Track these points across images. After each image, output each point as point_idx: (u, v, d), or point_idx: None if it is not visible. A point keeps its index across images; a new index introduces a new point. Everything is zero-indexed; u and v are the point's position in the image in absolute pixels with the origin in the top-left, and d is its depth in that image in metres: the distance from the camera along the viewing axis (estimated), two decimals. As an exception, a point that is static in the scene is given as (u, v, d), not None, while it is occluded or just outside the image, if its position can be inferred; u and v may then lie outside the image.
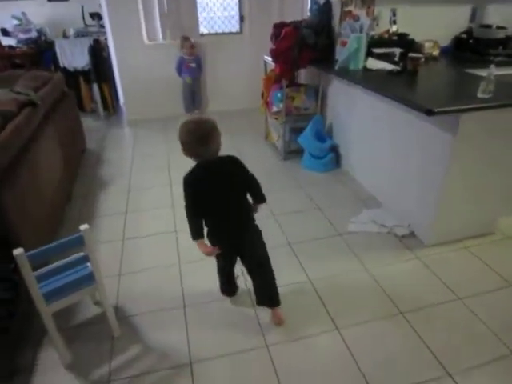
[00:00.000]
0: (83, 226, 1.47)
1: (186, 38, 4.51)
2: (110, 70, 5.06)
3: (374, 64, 2.81)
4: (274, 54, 3.24)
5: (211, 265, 1.88)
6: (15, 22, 5.10)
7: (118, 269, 2.19)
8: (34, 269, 1.44)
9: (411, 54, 2.64)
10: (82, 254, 1.63)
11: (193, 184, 1.57)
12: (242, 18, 4.92)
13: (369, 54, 2.91)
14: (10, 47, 5.10)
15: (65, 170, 2.90)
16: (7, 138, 1.99)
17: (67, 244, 1.45)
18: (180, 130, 1.53)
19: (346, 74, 2.85)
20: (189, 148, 1.52)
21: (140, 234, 2.54)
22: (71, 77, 4.84)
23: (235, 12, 4.93)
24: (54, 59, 4.96)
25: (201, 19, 4.82)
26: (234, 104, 4.99)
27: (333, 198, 2.93)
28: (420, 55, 2.71)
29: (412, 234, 2.43)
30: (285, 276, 2.10)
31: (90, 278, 1.59)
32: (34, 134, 2.45)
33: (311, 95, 3.43)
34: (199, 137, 1.49)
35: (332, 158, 3.33)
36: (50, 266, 1.54)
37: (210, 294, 1.97)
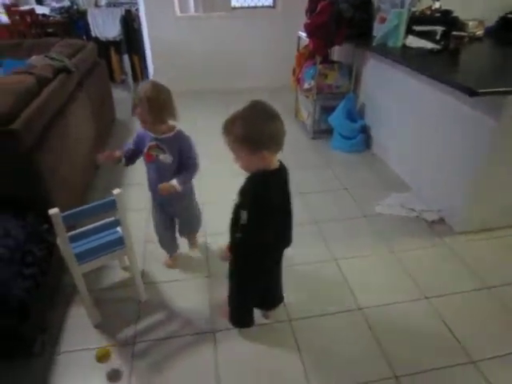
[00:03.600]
0: (116, 191, 1.49)
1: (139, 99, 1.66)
2: (140, 41, 5.04)
3: (414, 42, 2.69)
4: (309, 29, 3.14)
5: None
6: (49, -10, 5.14)
7: (144, 236, 2.23)
8: (67, 230, 1.48)
9: (455, 33, 2.51)
10: (113, 218, 1.66)
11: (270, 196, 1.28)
12: (275, -8, 4.78)
13: (408, 31, 2.78)
14: (44, 16, 5.15)
15: (95, 138, 2.94)
16: (43, 103, 2.03)
17: (100, 207, 1.48)
18: (242, 122, 1.18)
19: (383, 50, 2.74)
20: (268, 139, 1.19)
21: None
22: (102, 47, 4.85)
23: (269, -15, 4.80)
24: (86, 29, 4.98)
25: (233, -9, 4.72)
26: (264, 81, 4.91)
27: (360, 179, 2.88)
28: (464, 34, 2.57)
29: (442, 220, 2.37)
30: (309, 254, 2.10)
31: (120, 242, 1.62)
32: (68, 100, 2.48)
33: (345, 73, 3.33)
34: (277, 118, 1.21)
35: (362, 139, 3.25)
36: (83, 228, 1.58)
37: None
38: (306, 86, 3.37)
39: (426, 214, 2.40)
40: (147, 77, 5.33)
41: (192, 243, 2.15)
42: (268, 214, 1.27)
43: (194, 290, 1.90)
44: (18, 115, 1.76)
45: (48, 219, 1.53)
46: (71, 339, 1.65)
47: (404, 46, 2.72)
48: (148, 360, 1.56)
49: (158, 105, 1.54)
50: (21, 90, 1.92)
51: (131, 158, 1.79)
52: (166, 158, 1.66)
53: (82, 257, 1.54)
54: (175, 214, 1.94)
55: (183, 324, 1.72)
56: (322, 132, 3.49)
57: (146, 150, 1.69)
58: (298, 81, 3.51)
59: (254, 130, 1.17)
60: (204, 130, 2.72)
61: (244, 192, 1.30)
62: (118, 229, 1.65)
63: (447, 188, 2.34)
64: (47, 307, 1.72)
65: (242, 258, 1.42)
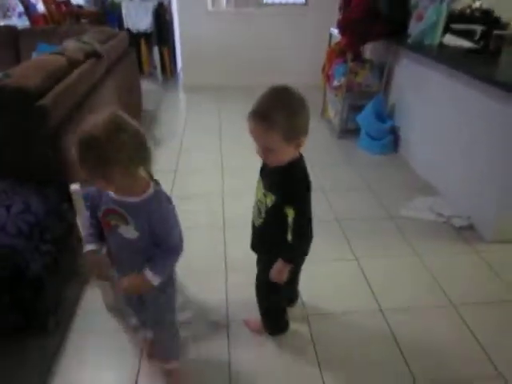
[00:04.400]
0: (138, 171, 1.46)
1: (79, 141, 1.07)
2: (171, 34, 5.09)
3: (452, 40, 2.58)
4: (342, 25, 3.08)
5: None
6: (85, -20, 5.24)
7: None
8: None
9: (497, 32, 2.39)
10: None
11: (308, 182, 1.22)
12: (308, -11, 4.73)
13: (447, 29, 2.68)
14: (79, 6, 5.25)
15: (121, 125, 2.96)
16: (72, 83, 2.04)
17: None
18: (283, 110, 1.07)
19: (419, 48, 2.65)
20: (306, 125, 1.14)
21: (188, 193, 2.57)
22: (133, 39, 4.91)
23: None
24: (119, 20, 5.05)
25: (266, -12, 4.69)
26: (292, 78, 4.82)
27: (387, 181, 2.78)
28: (508, 33, 2.45)
29: (471, 227, 2.25)
30: (330, 251, 2.04)
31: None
32: (96, 84, 2.50)
33: (376, 72, 3.24)
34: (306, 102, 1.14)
35: (390, 140, 3.15)
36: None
37: (252, 258, 1.94)
38: (336, 83, 3.30)
39: (454, 220, 2.29)
40: (175, 70, 5.36)
41: (167, 374, 1.41)
42: (310, 203, 1.21)
43: (212, 281, 1.87)
44: (47, 92, 1.77)
45: (69, 198, 1.53)
46: (84, 318, 1.64)
47: (441, 45, 2.62)
48: (160, 345, 1.53)
49: (108, 150, 0.92)
50: (51, 69, 1.93)
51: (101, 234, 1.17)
52: (127, 231, 1.07)
53: (100, 235, 1.52)
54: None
55: (197, 313, 1.68)
56: (348, 131, 3.41)
57: (100, 213, 1.10)
58: (328, 78, 3.45)
59: (296, 117, 1.10)
60: (228, 123, 2.69)
61: (286, 186, 1.18)
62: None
63: (479, 195, 2.22)
64: (62, 286, 1.72)
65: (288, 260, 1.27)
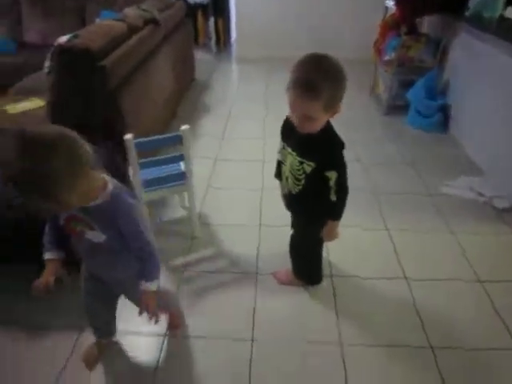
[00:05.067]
0: (184, 126, 1.60)
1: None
2: (226, 5, 5.16)
3: (515, 13, 2.43)
4: (398, -4, 2.99)
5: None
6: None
7: (207, 182, 2.39)
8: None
9: None
10: (179, 153, 1.77)
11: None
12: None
13: (509, 1, 2.52)
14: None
15: (173, 90, 3.13)
16: (131, 47, 2.20)
17: (168, 140, 1.62)
18: (333, 72, 1.11)
19: (478, 21, 2.52)
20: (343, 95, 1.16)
21: (232, 157, 2.71)
22: (190, 9, 5.02)
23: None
24: (178, -9, 5.18)
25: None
26: (344, 51, 4.73)
27: (431, 158, 2.73)
28: None
29: (514, 210, 2.20)
30: (361, 220, 2.09)
31: (182, 177, 1.75)
32: (153, 50, 2.66)
33: (430, 47, 3.12)
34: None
35: (440, 118, 3.06)
36: (151, 158, 1.72)
37: (284, 219, 2.04)
38: (387, 57, 3.23)
39: (496, 201, 2.24)
40: (229, 41, 5.45)
41: (171, 326, 1.52)
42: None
43: (245, 235, 2.00)
44: (109, 54, 1.95)
45: (124, 151, 1.71)
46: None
47: (502, 18, 2.48)
48: (193, 287, 1.71)
49: (46, 182, 0.86)
50: (113, 34, 2.10)
51: (64, 247, 1.14)
52: (94, 235, 1.05)
53: (147, 184, 1.70)
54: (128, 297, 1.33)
55: (230, 262, 1.84)
56: (397, 108, 3.34)
57: (62, 220, 1.06)
58: (379, 52, 3.38)
59: (339, 88, 1.12)
60: (275, 94, 2.75)
61: (326, 151, 1.24)
62: (182, 163, 1.77)
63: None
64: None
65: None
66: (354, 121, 3.09)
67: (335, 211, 1.36)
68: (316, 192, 1.32)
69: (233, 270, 1.79)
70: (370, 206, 2.23)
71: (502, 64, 2.40)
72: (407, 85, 3.17)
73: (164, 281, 1.69)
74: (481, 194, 2.29)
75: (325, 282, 1.73)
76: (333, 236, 1.43)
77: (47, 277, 1.07)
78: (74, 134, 0.91)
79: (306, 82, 1.08)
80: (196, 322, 1.56)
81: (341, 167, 1.27)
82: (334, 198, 1.29)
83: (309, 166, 1.27)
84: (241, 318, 1.58)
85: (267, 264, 1.81)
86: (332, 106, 1.14)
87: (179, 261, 1.83)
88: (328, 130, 1.24)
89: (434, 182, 2.44)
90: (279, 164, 1.44)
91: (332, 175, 1.25)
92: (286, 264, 1.70)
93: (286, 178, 1.39)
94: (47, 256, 1.11)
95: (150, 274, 1.11)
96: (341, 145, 1.25)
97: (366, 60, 4.00)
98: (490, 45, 2.49)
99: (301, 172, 1.30)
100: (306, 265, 1.66)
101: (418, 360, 1.44)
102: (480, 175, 2.51)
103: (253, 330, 1.53)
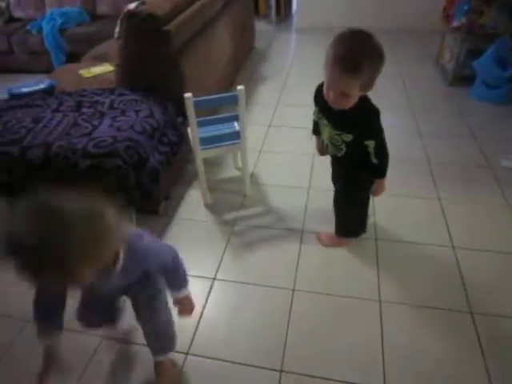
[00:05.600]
0: (239, 87, 1.68)
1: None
2: (289, -26, 5.07)
3: None
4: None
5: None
6: None
7: (260, 146, 2.48)
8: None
9: None
10: (234, 113, 1.86)
11: None
12: None
13: None
14: None
15: (232, 58, 3.21)
16: (193, 13, 2.30)
17: (224, 99, 1.71)
18: (376, 51, 1.12)
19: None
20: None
21: (285, 124, 2.76)
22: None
23: None
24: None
25: None
26: (409, 20, 4.52)
27: (495, 131, 2.59)
28: None
29: None
30: (413, 188, 2.07)
31: (236, 136, 1.85)
32: (214, 17, 2.74)
33: (505, 12, 2.88)
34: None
35: (509, 89, 2.86)
36: (208, 117, 1.83)
37: (332, 184, 2.08)
38: (456, 23, 3.04)
39: None
40: (290, 11, 5.38)
41: (159, 372, 1.27)
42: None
43: (294, 196, 2.07)
44: (172, 20, 2.07)
45: (183, 112, 1.82)
46: (186, 210, 2.02)
47: None
48: (242, 239, 1.83)
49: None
50: (176, 0, 2.21)
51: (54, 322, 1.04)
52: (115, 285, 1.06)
53: (204, 142, 1.82)
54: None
55: (277, 219, 1.93)
56: (463, 79, 3.15)
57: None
58: (448, 18, 3.18)
59: (379, 67, 1.13)
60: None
61: (363, 124, 1.29)
62: (237, 123, 1.87)
63: None
64: (172, 182, 2.11)
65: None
66: (417, 91, 2.97)
67: (379, 171, 1.41)
68: (359, 156, 1.37)
69: (280, 226, 1.89)
70: (425, 175, 2.19)
71: None
72: (476, 54, 2.97)
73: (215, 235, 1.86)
74: (547, 169, 2.16)
75: (371, 245, 1.77)
76: (380, 192, 1.48)
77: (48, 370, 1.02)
78: (101, 206, 0.78)
79: (351, 60, 1.08)
80: (243, 269, 1.69)
81: (378, 135, 1.31)
82: (375, 160, 1.34)
83: (347, 137, 1.34)
84: (284, 269, 1.68)
85: (313, 224, 1.88)
86: (369, 84, 1.17)
87: (231, 215, 1.96)
88: (364, 101, 1.26)
89: (496, 156, 2.32)
90: (316, 123, 1.54)
91: (370, 143, 1.30)
92: (331, 225, 1.76)
93: (327, 146, 1.47)
94: (47, 342, 1.03)
95: (184, 279, 1.15)
96: (376, 113, 1.28)
97: (432, 30, 3.78)
98: None
99: (340, 142, 1.38)
100: (352, 218, 1.70)
101: (457, 324, 1.45)
102: (549, 150, 2.34)
103: (295, 281, 1.62)
